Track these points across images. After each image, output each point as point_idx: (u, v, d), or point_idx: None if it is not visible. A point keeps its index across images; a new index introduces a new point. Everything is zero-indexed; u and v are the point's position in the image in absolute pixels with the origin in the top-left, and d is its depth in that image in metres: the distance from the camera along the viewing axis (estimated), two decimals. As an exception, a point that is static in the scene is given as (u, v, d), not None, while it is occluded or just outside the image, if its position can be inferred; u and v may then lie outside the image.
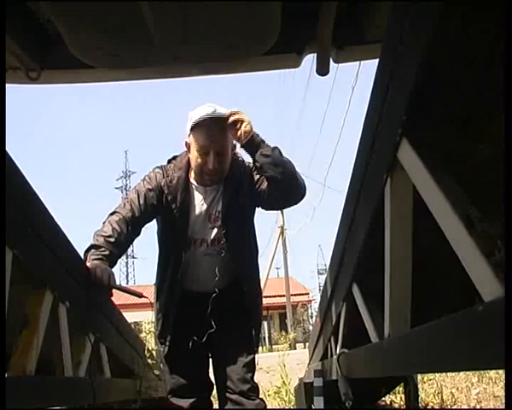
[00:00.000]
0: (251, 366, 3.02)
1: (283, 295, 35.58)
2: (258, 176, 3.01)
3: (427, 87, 1.30)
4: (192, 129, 2.90)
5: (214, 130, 2.85)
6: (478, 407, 4.36)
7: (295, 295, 38.50)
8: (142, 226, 3.03)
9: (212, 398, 3.24)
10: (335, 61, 2.84)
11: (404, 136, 1.38)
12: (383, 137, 1.59)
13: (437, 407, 4.69)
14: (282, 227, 36.66)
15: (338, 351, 2.63)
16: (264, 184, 2.96)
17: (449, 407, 4.63)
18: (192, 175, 3.03)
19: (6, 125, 1.51)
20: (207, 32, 2.39)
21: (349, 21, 2.66)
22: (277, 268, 52.19)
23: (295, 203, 3.05)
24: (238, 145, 3.01)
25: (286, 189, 2.88)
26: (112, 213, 2.91)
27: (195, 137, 2.89)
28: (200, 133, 2.87)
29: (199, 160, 2.90)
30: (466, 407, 4.55)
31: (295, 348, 24.67)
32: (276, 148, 2.82)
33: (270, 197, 3.02)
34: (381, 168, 1.60)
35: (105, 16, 2.27)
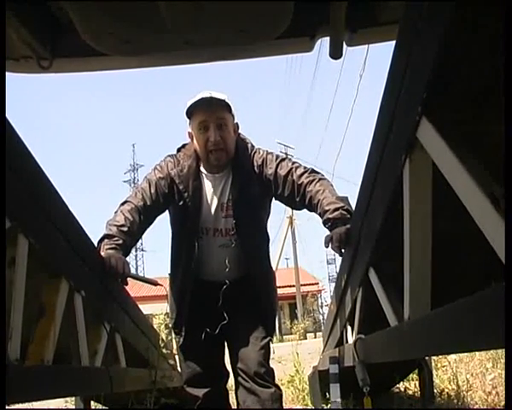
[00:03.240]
0: (266, 350, 3.02)
1: (293, 286, 35.63)
2: (270, 166, 2.99)
3: (448, 65, 1.28)
4: (190, 114, 2.91)
5: (211, 105, 2.85)
6: (494, 392, 4.34)
7: (305, 285, 38.53)
8: (155, 216, 3.03)
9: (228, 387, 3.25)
10: (348, 45, 2.81)
11: (424, 114, 1.36)
12: (402, 117, 1.57)
13: (452, 394, 4.68)
14: (291, 217, 36.72)
15: (354, 337, 2.62)
16: (285, 185, 2.94)
17: (464, 392, 4.61)
18: (201, 164, 3.03)
19: (11, 117, 1.51)
20: (219, 16, 2.38)
21: (362, 4, 2.64)
22: (286, 258, 52.25)
23: None
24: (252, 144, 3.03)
25: None
26: (123, 203, 2.91)
27: (194, 118, 2.92)
28: (197, 112, 2.89)
29: (201, 139, 2.90)
30: (482, 392, 4.53)
31: (306, 338, 24.69)
32: (348, 206, 2.74)
33: (296, 205, 3.02)
34: (400, 148, 1.58)
35: (117, 2, 2.25)
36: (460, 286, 2.16)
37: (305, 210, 3.03)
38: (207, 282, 3.08)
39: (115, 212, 2.88)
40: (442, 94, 1.35)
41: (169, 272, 3.27)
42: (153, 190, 2.95)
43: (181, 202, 2.97)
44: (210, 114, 2.87)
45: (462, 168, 1.19)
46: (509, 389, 0.90)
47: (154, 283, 2.93)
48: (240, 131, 3.10)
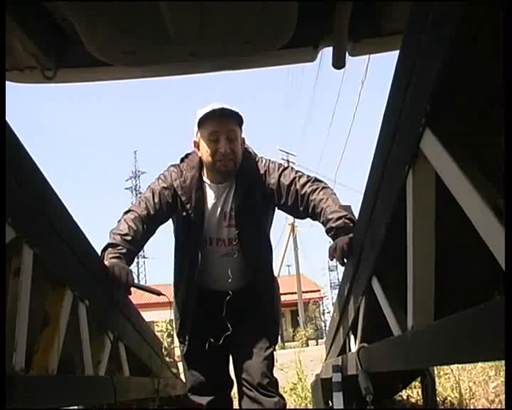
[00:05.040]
0: (269, 360, 3.02)
1: (295, 293, 35.62)
2: (273, 176, 3.00)
3: (452, 77, 1.29)
4: (200, 123, 2.91)
5: (222, 117, 2.86)
6: (497, 400, 4.34)
7: (307, 292, 38.51)
8: (158, 225, 3.04)
9: (232, 395, 3.25)
10: (351, 55, 2.83)
11: (427, 126, 1.37)
12: (405, 128, 1.57)
13: (455, 402, 4.67)
14: (293, 224, 36.74)
15: (357, 346, 2.61)
16: (288, 194, 2.94)
17: (467, 400, 4.60)
18: (205, 174, 3.03)
19: (12, 124, 1.52)
20: (224, 27, 2.39)
21: (365, 14, 2.64)
22: (288, 265, 52.31)
23: None
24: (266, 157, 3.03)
25: None
26: (127, 212, 2.92)
27: (204, 127, 2.91)
28: (209, 122, 2.89)
29: (210, 148, 2.90)
30: (484, 400, 4.53)
31: (308, 345, 24.65)
32: (351, 215, 2.74)
33: (299, 214, 3.03)
34: (403, 159, 1.58)
35: (122, 13, 2.26)
36: (464, 296, 2.17)
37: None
38: (211, 291, 3.09)
39: (119, 221, 2.89)
40: (446, 105, 1.35)
41: (173, 280, 3.27)
42: (156, 200, 2.95)
43: (184, 213, 2.97)
44: (222, 125, 2.88)
45: (465, 179, 1.19)
46: (510, 397, 0.91)
47: (157, 292, 2.93)
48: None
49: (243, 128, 2.99)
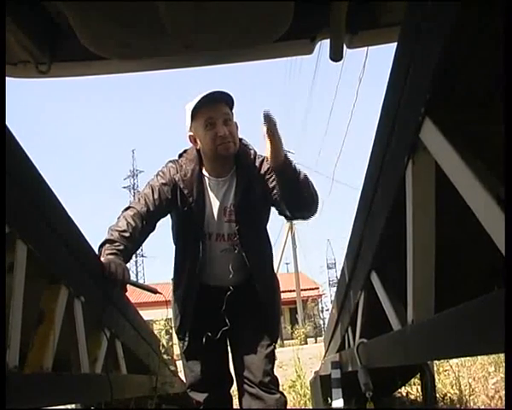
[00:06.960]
0: (270, 358, 2.99)
1: (293, 291, 35.61)
2: (273, 174, 2.97)
3: (451, 66, 1.26)
4: (194, 114, 2.89)
5: (215, 102, 2.84)
6: (496, 396, 4.33)
7: (305, 290, 38.53)
8: (157, 221, 3.00)
9: (232, 392, 3.22)
10: (349, 47, 2.81)
11: (427, 115, 1.35)
12: (404, 118, 1.55)
13: (455, 399, 4.66)
14: (291, 222, 36.71)
15: (356, 341, 2.60)
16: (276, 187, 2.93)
17: (467, 397, 4.59)
18: (204, 168, 3.00)
19: (9, 122, 1.50)
20: (220, 19, 2.37)
21: (362, 6, 2.63)
22: (287, 263, 52.22)
23: (302, 219, 3.04)
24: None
25: (297, 206, 2.87)
26: (126, 209, 2.89)
27: (199, 117, 2.88)
28: (202, 110, 2.86)
29: (208, 135, 2.86)
30: (484, 396, 4.52)
31: (306, 343, 24.66)
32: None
33: (279, 205, 3.01)
34: (403, 150, 1.56)
35: (116, 5, 2.24)
36: (464, 289, 2.14)
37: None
38: (211, 287, 3.06)
39: (118, 217, 2.85)
40: (446, 94, 1.33)
41: (172, 277, 3.24)
42: (156, 196, 2.92)
43: (185, 208, 2.94)
44: (216, 110, 2.85)
45: (467, 169, 1.17)
46: (510, 392, 0.89)
47: (153, 290, 2.90)
48: (240, 136, 3.08)
49: (234, 112, 2.98)
